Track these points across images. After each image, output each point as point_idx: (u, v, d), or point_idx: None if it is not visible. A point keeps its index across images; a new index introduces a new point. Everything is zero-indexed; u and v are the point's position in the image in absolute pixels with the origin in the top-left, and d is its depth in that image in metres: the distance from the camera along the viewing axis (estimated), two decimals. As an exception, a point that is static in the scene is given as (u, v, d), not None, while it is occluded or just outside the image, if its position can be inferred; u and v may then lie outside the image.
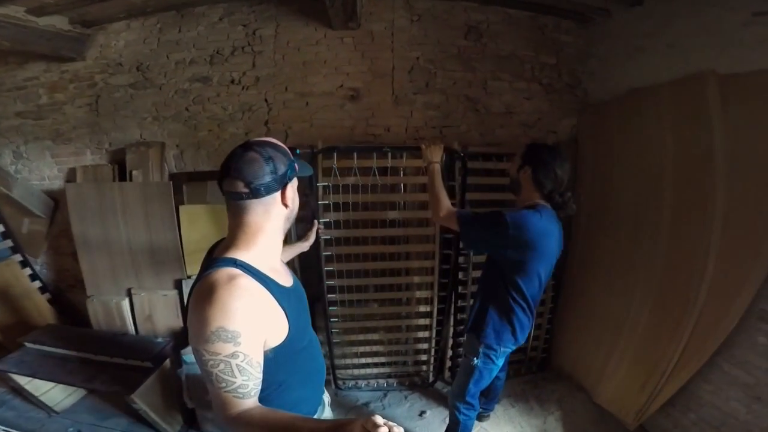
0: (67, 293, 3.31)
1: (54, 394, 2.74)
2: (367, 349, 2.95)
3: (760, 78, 1.87)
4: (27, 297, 3.09)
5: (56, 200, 3.10)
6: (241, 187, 1.02)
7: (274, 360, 1.04)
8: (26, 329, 2.89)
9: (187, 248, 2.89)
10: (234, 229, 1.09)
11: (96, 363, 2.58)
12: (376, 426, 0.72)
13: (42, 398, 2.70)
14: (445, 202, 2.00)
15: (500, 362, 2.09)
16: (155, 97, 2.85)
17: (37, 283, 3.18)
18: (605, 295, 2.70)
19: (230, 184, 1.03)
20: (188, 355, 2.61)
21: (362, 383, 3.02)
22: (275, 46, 2.73)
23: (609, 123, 2.73)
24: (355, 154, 2.58)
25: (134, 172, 2.88)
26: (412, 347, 3.01)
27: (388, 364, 3.04)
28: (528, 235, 1.75)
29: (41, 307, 3.15)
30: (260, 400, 1.01)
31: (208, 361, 0.93)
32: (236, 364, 0.93)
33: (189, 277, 2.93)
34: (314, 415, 1.31)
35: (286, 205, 1.11)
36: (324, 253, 2.68)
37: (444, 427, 2.44)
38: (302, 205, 1.23)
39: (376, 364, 3.02)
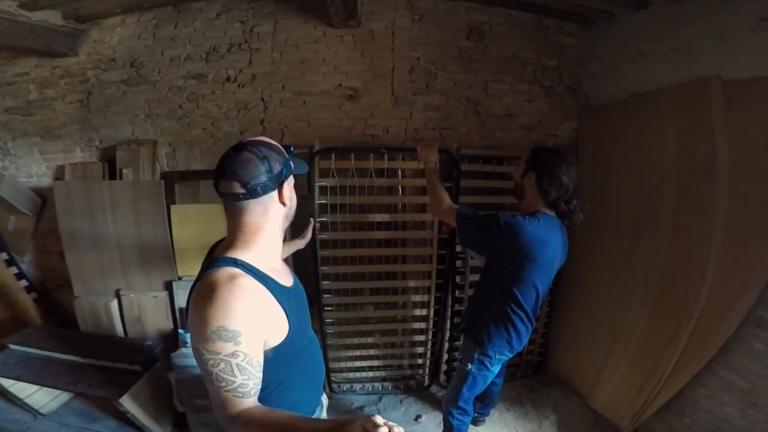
0: (53, 293, 3.27)
1: (40, 396, 2.72)
2: (362, 352, 2.96)
3: (765, 84, 1.90)
4: (12, 296, 3.06)
5: (44, 198, 3.06)
6: (238, 188, 1.04)
7: (274, 360, 1.06)
8: (11, 329, 2.86)
9: (178, 249, 2.86)
10: (233, 230, 1.10)
11: (83, 365, 2.56)
12: (376, 426, 0.73)
13: (27, 401, 2.68)
14: (445, 199, 2.01)
15: (495, 369, 2.10)
16: (148, 94, 2.83)
17: (23, 282, 3.13)
18: (603, 300, 2.73)
19: (226, 185, 1.05)
20: (178, 358, 2.59)
21: (357, 386, 3.03)
22: (273, 44, 2.73)
23: (610, 127, 2.75)
24: (352, 155, 2.60)
25: (125, 171, 2.84)
26: (408, 351, 3.02)
27: (383, 367, 3.05)
28: (521, 241, 1.74)
29: (27, 307, 3.11)
30: (260, 399, 1.02)
31: (208, 361, 0.94)
32: (236, 364, 0.94)
33: (180, 278, 2.89)
34: (313, 415, 1.32)
35: (284, 204, 1.13)
36: (320, 253, 2.69)
37: (439, 432, 2.46)
38: (299, 204, 1.25)
39: (371, 368, 3.03)
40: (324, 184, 2.61)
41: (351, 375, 3.03)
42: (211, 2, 2.73)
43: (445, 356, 3.00)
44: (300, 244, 1.96)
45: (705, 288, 2.14)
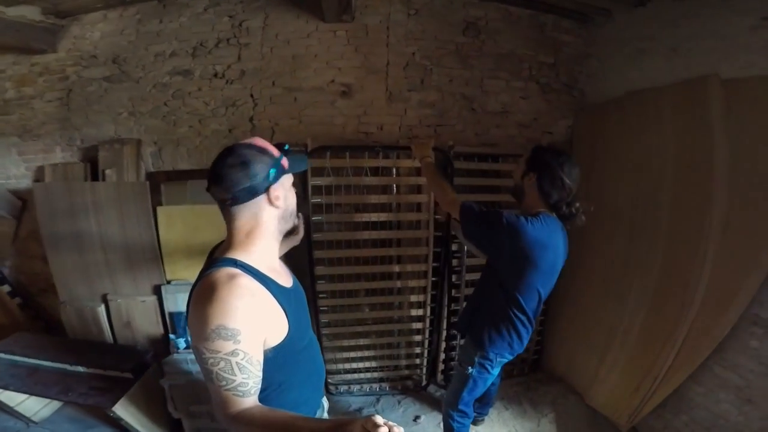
0: (38, 297, 3.21)
1: (30, 404, 2.69)
2: (359, 353, 2.98)
3: (765, 83, 1.92)
4: (-5, 302, 3.01)
5: (24, 200, 2.98)
6: (224, 194, 1.06)
7: (274, 359, 1.08)
8: (-2, 335, 2.82)
9: (165, 252, 2.82)
10: (229, 233, 1.13)
11: (72, 373, 2.53)
12: (377, 426, 0.75)
13: (18, 408, 2.64)
14: (449, 192, 1.99)
15: (496, 371, 2.11)
16: (132, 92, 2.77)
17: (6, 287, 3.09)
18: (599, 299, 2.77)
19: (214, 191, 1.09)
20: (170, 364, 2.59)
21: (354, 388, 3.05)
22: (263, 39, 2.68)
23: (606, 125, 2.77)
24: (347, 154, 2.60)
25: (107, 172, 2.78)
26: (405, 351, 3.05)
27: (380, 368, 3.07)
28: (521, 243, 1.71)
29: (12, 313, 3.06)
30: (260, 400, 1.04)
31: (208, 359, 0.96)
32: (236, 362, 0.96)
33: (168, 282, 2.86)
34: (313, 416, 1.34)
35: (276, 206, 1.13)
36: (315, 254, 2.69)
37: (438, 433, 2.51)
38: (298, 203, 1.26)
39: (368, 369, 3.05)
40: (319, 183, 2.59)
41: (348, 376, 3.05)
42: (198, -4, 2.66)
43: (442, 356, 3.03)
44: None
45: (701, 287, 2.18)
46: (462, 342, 2.44)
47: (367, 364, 3.04)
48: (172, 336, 2.78)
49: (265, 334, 1.05)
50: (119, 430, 2.62)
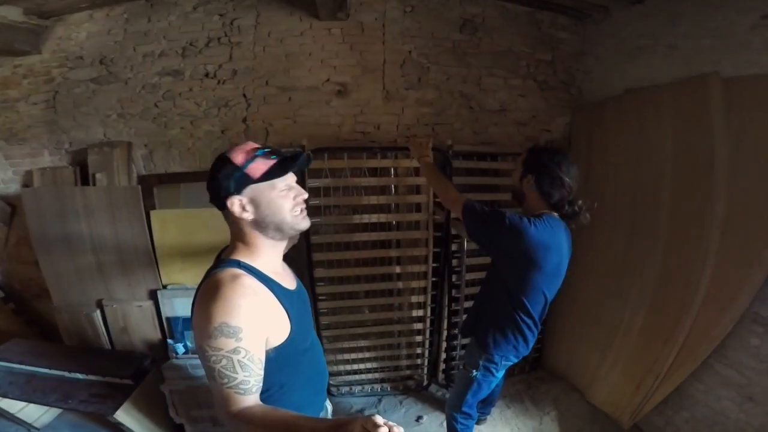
0: (32, 303, 3.20)
1: (31, 410, 2.71)
2: (360, 355, 3.01)
3: (765, 81, 1.92)
4: (-12, 308, 3.01)
5: (13, 206, 2.95)
6: (212, 202, 1.16)
7: (275, 360, 1.11)
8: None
9: (161, 256, 2.81)
10: (230, 236, 1.21)
11: (71, 380, 2.54)
12: (376, 426, 0.76)
13: (19, 415, 2.67)
14: (450, 191, 1.99)
15: (500, 374, 2.13)
16: (120, 93, 2.71)
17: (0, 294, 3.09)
18: (600, 297, 2.80)
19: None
20: (169, 369, 2.61)
21: (356, 389, 3.09)
22: (255, 38, 2.63)
23: (605, 123, 2.77)
24: (345, 155, 2.59)
25: (98, 176, 2.74)
26: (406, 351, 3.08)
27: (382, 369, 3.10)
28: (524, 245, 1.71)
29: (6, 318, 3.07)
30: (262, 401, 1.06)
31: (210, 357, 0.99)
32: (238, 360, 0.99)
33: (165, 286, 2.86)
34: None
35: (242, 217, 1.13)
36: (314, 257, 2.70)
37: (441, 433, 2.55)
38: None
39: (368, 370, 3.09)
40: (317, 184, 2.58)
41: (349, 377, 3.09)
42: (187, -6, 2.60)
43: (443, 355, 3.07)
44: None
45: (702, 285, 2.20)
46: (465, 342, 2.46)
47: (368, 365, 3.07)
48: (170, 341, 2.79)
49: (267, 333, 1.08)
50: (121, 435, 2.66)
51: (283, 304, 1.14)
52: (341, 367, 3.03)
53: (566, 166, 1.77)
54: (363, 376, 3.10)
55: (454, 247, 2.83)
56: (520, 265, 1.79)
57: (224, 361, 0.99)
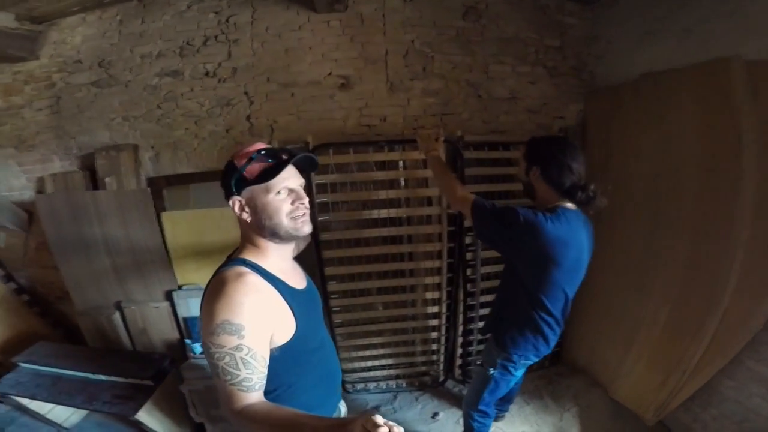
0: (56, 305, 3.32)
1: (60, 411, 2.83)
2: (374, 352, 3.01)
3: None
4: (15, 313, 3.12)
5: (30, 212, 3.02)
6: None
7: (282, 359, 1.13)
8: (20, 344, 2.93)
9: (174, 257, 2.85)
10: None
11: (94, 381, 2.64)
12: (376, 426, 0.76)
13: (48, 416, 2.80)
14: (457, 188, 1.90)
15: (519, 373, 2.08)
16: (122, 96, 2.71)
17: (24, 297, 3.20)
18: (622, 290, 2.71)
19: None
20: (188, 370, 2.67)
21: (371, 386, 3.11)
22: (252, 34, 2.57)
23: (621, 109, 2.64)
24: (351, 150, 2.53)
25: (107, 180, 2.77)
26: (421, 348, 3.07)
27: (397, 365, 3.11)
28: (540, 241, 1.63)
29: (31, 322, 3.18)
30: (270, 401, 1.08)
31: (214, 354, 1.02)
32: (240, 357, 1.02)
33: (180, 287, 2.91)
34: None
35: (242, 217, 1.18)
36: (324, 255, 2.69)
37: (458, 430, 2.54)
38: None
39: (383, 366, 3.09)
40: (323, 180, 2.55)
41: (364, 374, 3.10)
42: (179, -8, 2.54)
43: (459, 351, 3.05)
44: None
45: (732, 278, 2.10)
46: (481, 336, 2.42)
47: (383, 362, 3.08)
48: (187, 341, 2.86)
49: (271, 331, 1.10)
50: (144, 434, 2.77)
51: (288, 303, 1.15)
52: (356, 365, 3.04)
53: (570, 151, 1.70)
54: (378, 373, 3.11)
55: (468, 240, 2.76)
56: (537, 263, 1.72)
57: (227, 358, 1.01)
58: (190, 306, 2.91)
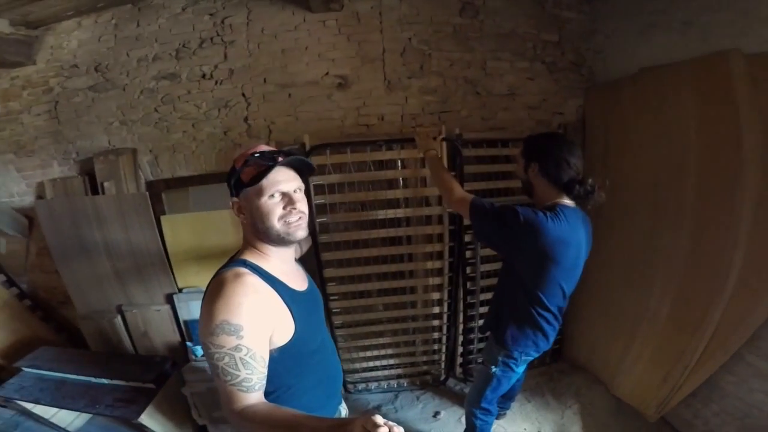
0: (59, 310, 3.33)
1: (63, 415, 2.83)
2: (375, 352, 3.02)
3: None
4: (18, 318, 3.13)
5: (30, 218, 3.04)
6: None
7: (281, 360, 1.13)
8: (23, 349, 2.95)
9: (174, 261, 2.86)
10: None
11: (97, 385, 2.65)
12: (376, 426, 0.76)
13: (53, 420, 2.80)
14: (455, 188, 1.92)
15: (520, 369, 2.10)
16: (119, 100, 2.71)
17: (27, 302, 3.22)
18: (622, 285, 2.70)
19: None
20: (189, 372, 2.69)
21: (372, 385, 3.11)
22: (248, 35, 2.57)
23: (620, 104, 2.63)
24: (348, 150, 2.53)
25: (106, 184, 2.78)
26: (422, 347, 3.07)
27: (398, 365, 3.11)
28: (541, 241, 1.64)
29: (34, 327, 3.19)
30: (270, 402, 1.08)
31: (213, 354, 1.03)
32: (240, 358, 1.02)
33: (180, 290, 2.92)
34: None
35: (240, 218, 1.22)
36: (323, 256, 2.69)
37: (459, 429, 2.54)
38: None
39: (384, 366, 3.10)
40: (320, 182, 2.55)
41: (365, 374, 3.11)
42: (173, -4, 2.55)
43: (460, 349, 3.05)
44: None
45: (733, 273, 2.09)
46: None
47: (384, 362, 3.08)
48: (189, 343, 2.87)
49: (270, 331, 1.10)
50: (148, 437, 2.78)
51: (287, 305, 1.15)
52: (357, 365, 3.05)
53: (567, 146, 1.72)
54: (379, 373, 3.12)
55: (467, 238, 2.76)
56: (536, 262, 1.73)
57: (226, 359, 1.01)
58: (191, 309, 2.91)
